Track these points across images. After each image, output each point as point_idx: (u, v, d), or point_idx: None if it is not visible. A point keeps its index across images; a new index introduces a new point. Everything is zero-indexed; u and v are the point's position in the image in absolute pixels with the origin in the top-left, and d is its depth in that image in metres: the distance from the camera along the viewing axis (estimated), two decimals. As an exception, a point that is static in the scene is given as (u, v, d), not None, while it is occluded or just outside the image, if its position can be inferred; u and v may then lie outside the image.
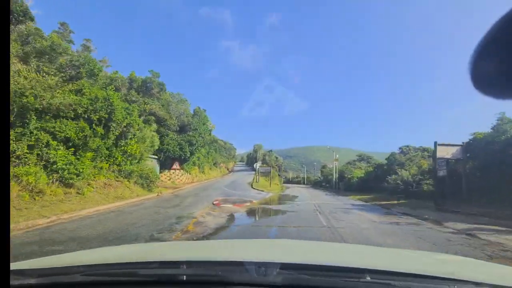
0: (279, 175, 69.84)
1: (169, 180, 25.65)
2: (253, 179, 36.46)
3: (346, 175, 38.04)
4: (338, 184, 41.22)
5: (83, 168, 11.16)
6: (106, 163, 13.54)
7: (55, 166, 10.14)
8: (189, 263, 1.11)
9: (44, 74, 11.00)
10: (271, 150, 72.87)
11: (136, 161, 16.37)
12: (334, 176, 44.02)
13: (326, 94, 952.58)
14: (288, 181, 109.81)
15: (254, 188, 28.20)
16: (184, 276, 1.00)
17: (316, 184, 69.30)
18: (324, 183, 60.27)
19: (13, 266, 1.07)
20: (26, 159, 9.48)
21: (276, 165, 71.05)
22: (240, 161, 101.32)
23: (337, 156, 41.45)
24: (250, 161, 76.36)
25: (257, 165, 33.38)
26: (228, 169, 67.56)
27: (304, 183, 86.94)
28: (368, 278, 0.94)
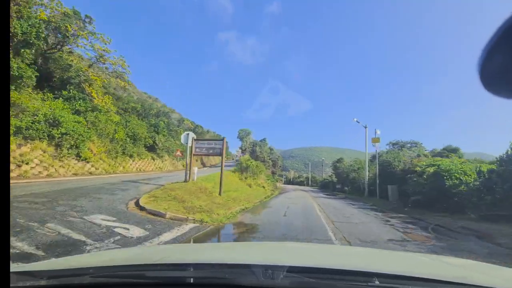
0: (273, 173, 49.06)
1: None
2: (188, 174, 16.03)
3: (405, 167, 17.26)
4: (378, 188, 20.27)
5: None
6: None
7: None
8: (196, 266, 1.09)
9: None
10: (264, 139, 52.22)
11: None
12: (366, 175, 23.22)
13: (329, 95, 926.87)
14: (288, 181, 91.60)
15: (139, 210, 7.62)
16: (192, 279, 0.97)
17: (325, 187, 48.42)
18: (340, 186, 39.39)
19: (22, 267, 1.07)
20: None
21: (270, 159, 50.23)
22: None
23: (378, 132, 20.54)
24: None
25: (188, 137, 12.19)
26: (203, 164, 47.37)
27: (308, 185, 66.24)
28: (377, 282, 0.90)
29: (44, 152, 13.00)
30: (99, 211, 6.72)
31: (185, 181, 11.97)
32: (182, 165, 36.23)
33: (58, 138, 13.65)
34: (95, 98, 17.54)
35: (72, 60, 17.31)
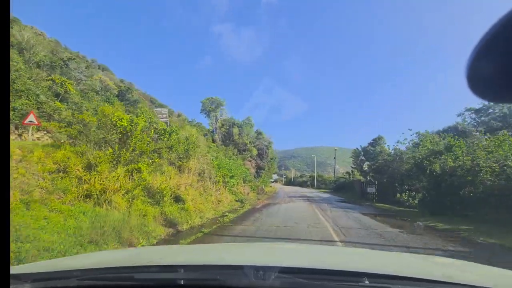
0: (259, 168, 30.79)
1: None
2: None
3: None
4: None
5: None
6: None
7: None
8: (187, 267, 1.06)
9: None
10: (248, 118, 33.82)
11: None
12: None
13: (330, 94, 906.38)
14: (289, 181, 74.21)
15: None
16: (182, 281, 0.94)
17: (342, 189, 29.78)
18: (373, 189, 20.89)
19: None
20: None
21: (255, 147, 31.92)
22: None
23: None
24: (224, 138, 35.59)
25: None
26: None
27: (313, 186, 47.87)
28: (367, 282, 0.90)
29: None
30: None
31: None
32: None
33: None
34: None
35: None
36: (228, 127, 31.18)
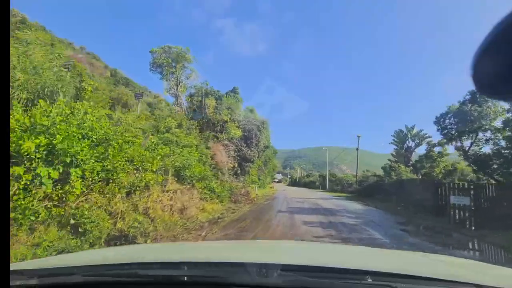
0: (244, 160, 19.60)
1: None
2: None
3: None
4: None
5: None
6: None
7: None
8: (190, 264, 1.06)
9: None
10: (234, 90, 23.11)
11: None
12: None
13: (335, 94, 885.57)
14: (294, 182, 67.37)
15: None
16: (185, 277, 0.95)
17: (372, 195, 18.41)
18: (461, 197, 9.59)
19: (14, 266, 1.03)
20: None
21: (239, 127, 20.73)
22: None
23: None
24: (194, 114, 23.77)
25: None
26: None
27: (325, 188, 36.75)
28: (370, 280, 0.89)
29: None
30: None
31: None
32: None
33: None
34: None
35: None
36: (202, 96, 20.43)
